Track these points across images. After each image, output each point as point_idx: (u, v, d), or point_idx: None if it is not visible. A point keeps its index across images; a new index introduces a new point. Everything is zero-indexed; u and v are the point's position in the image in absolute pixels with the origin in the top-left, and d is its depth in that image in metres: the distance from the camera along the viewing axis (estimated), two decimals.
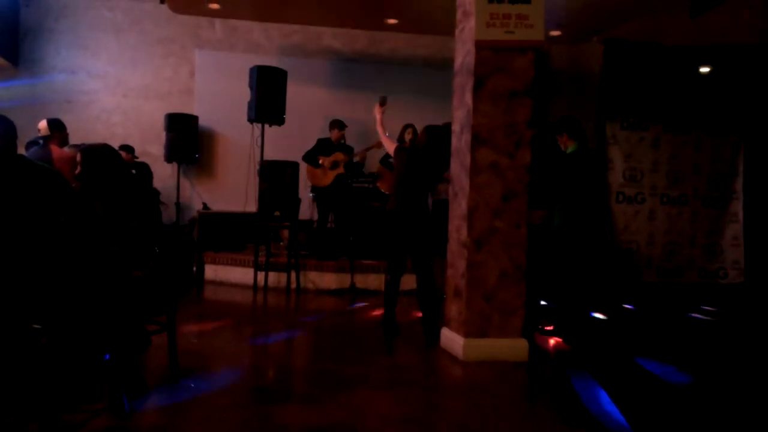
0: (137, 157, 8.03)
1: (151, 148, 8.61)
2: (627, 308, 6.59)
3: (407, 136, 5.32)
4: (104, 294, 2.87)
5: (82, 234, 2.92)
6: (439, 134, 4.87)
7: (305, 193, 7.83)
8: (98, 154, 3.34)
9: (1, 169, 2.76)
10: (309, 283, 7.05)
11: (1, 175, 2.75)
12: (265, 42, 9.11)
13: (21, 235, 2.71)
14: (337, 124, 7.63)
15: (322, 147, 7.60)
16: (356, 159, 7.61)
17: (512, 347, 4.20)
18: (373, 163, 8.06)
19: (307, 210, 8.15)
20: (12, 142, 2.87)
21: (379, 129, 5.20)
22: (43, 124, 5.33)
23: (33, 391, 2.69)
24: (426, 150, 4.88)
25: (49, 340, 2.63)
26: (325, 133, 7.76)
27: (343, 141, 7.65)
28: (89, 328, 2.82)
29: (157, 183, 8.30)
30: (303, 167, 7.52)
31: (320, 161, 7.51)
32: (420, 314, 4.89)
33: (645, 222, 7.50)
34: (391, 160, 7.36)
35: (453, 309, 4.44)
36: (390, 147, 5.13)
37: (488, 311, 4.21)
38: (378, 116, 5.18)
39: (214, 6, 8.34)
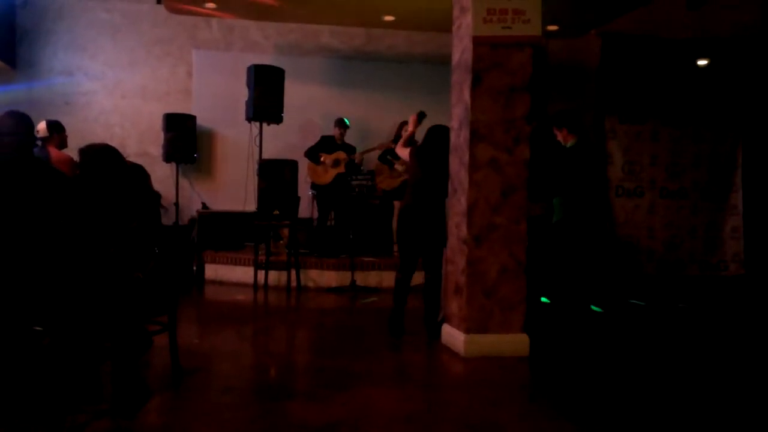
0: (127, 156, 7.97)
1: (150, 148, 8.59)
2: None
3: (404, 133, 5.32)
4: (105, 295, 2.87)
5: (82, 235, 2.91)
6: (438, 133, 4.83)
7: (305, 192, 7.83)
8: (98, 155, 3.33)
9: (18, 166, 2.73)
10: (309, 282, 7.05)
11: (18, 173, 2.72)
12: (263, 41, 9.09)
13: (24, 237, 2.71)
14: (338, 123, 7.67)
15: (326, 144, 7.62)
16: (357, 161, 7.65)
17: (513, 342, 4.21)
18: (372, 161, 8.06)
19: (306, 208, 8.15)
20: (31, 137, 2.84)
21: (403, 141, 5.15)
22: (42, 125, 5.34)
23: (36, 392, 2.70)
24: (426, 147, 4.87)
25: (50, 342, 2.63)
26: (328, 131, 7.77)
27: (344, 140, 7.68)
28: (91, 330, 2.82)
29: (155, 183, 8.25)
30: (302, 166, 7.51)
31: (322, 158, 7.53)
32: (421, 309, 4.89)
33: (645, 215, 7.50)
34: (390, 157, 7.45)
35: (453, 305, 4.44)
36: (405, 153, 5.08)
37: (489, 307, 4.22)
38: (411, 128, 5.12)
39: (211, 5, 8.32)
